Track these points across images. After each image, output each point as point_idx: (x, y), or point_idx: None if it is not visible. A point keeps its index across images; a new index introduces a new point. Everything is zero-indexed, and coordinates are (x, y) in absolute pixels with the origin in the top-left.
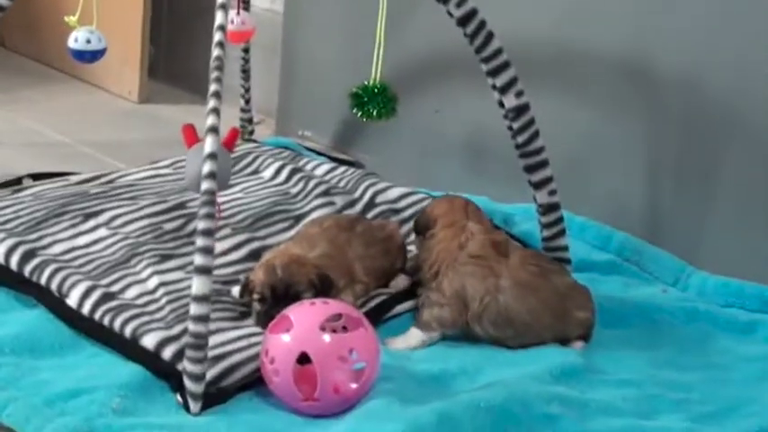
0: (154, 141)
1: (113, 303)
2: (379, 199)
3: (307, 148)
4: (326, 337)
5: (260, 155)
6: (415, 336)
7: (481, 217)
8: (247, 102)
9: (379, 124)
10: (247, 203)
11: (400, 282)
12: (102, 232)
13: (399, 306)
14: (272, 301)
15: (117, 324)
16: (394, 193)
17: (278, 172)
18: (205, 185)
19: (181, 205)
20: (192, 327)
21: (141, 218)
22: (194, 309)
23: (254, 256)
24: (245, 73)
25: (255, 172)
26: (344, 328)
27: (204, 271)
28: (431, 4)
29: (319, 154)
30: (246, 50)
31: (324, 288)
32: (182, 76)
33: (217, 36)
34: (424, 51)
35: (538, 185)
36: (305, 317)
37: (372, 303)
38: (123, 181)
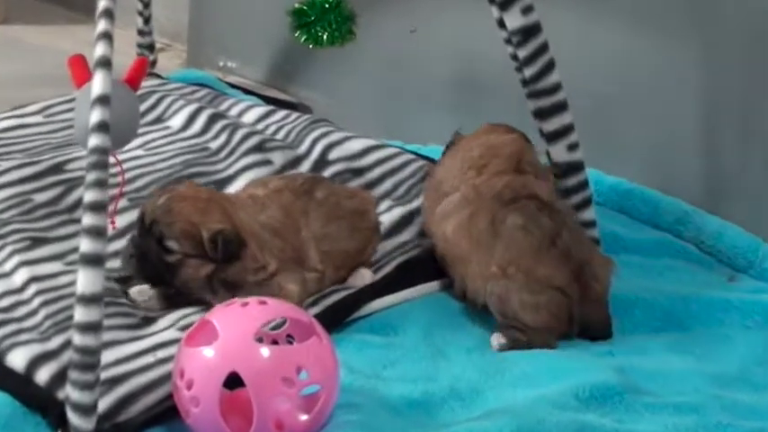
0: (16, 76)
1: None
2: (333, 155)
3: (231, 86)
4: (265, 351)
5: (165, 96)
6: None
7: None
8: (147, 21)
9: (332, 52)
10: (150, 164)
11: (360, 278)
12: None
13: (366, 306)
14: (139, 255)
15: None
16: (354, 146)
17: (191, 119)
18: (94, 141)
19: (57, 168)
20: (78, 339)
21: (4, 186)
22: (81, 314)
23: None
24: None
25: (159, 120)
26: (290, 338)
27: (94, 261)
28: None
29: (248, 93)
30: None
31: (224, 254)
32: None
33: None
34: None
35: (553, 137)
36: (234, 323)
37: (328, 301)
38: None
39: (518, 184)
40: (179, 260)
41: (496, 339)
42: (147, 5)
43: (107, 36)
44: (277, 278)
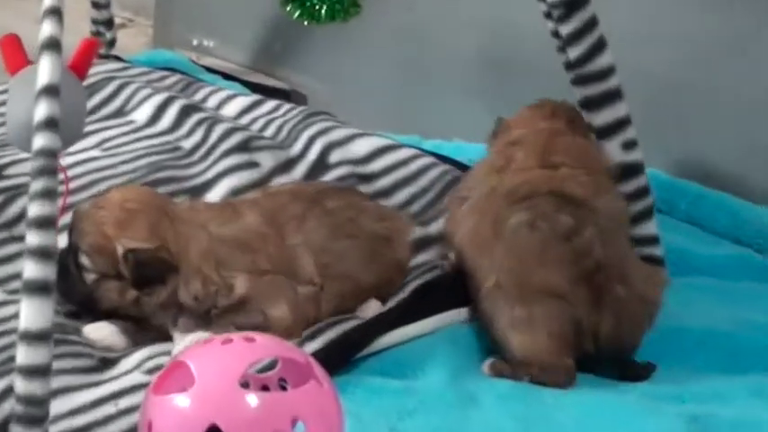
0: None
1: None
2: (335, 156)
3: (207, 69)
4: (252, 400)
5: (127, 83)
6: None
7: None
8: None
9: (331, 28)
10: (108, 167)
11: (366, 309)
12: None
13: (377, 341)
14: (60, 272)
15: None
16: (360, 146)
17: (159, 112)
18: (41, 141)
19: None
20: (21, 386)
21: None
22: (25, 355)
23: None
24: None
25: (120, 113)
26: (282, 383)
27: (41, 289)
28: None
29: (228, 78)
30: None
31: (137, 278)
32: None
33: None
34: None
35: (605, 132)
36: (214, 365)
37: (330, 335)
38: None
39: (540, 179)
40: (95, 281)
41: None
42: None
43: (56, 12)
44: (256, 302)
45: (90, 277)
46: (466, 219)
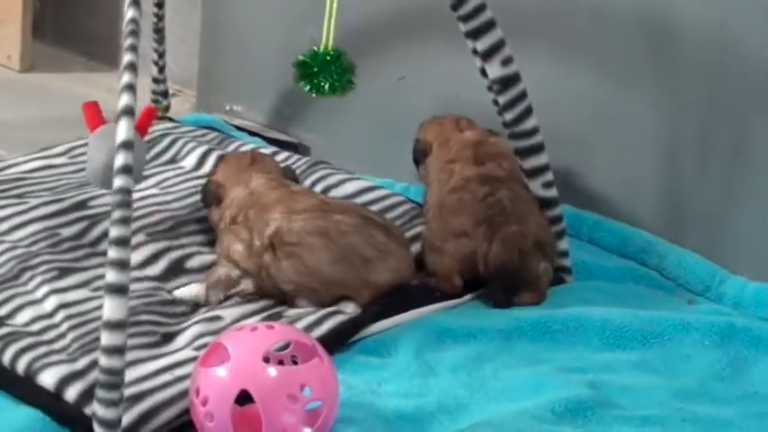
0: (42, 120)
1: (3, 331)
2: (331, 195)
3: (236, 128)
4: (272, 371)
5: (178, 138)
6: None
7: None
8: (161, 69)
9: (331, 98)
10: (165, 203)
11: (344, 306)
12: None
13: (364, 330)
14: None
15: (6, 358)
16: (350, 187)
17: (202, 160)
18: (119, 182)
19: (81, 205)
20: (104, 361)
21: (32, 221)
22: (107, 338)
23: (175, 269)
24: (159, 33)
25: (173, 161)
26: (294, 359)
27: (118, 290)
28: None
29: (253, 134)
30: (160, 5)
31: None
32: (73, 36)
33: None
34: (383, 5)
35: (531, 174)
36: (244, 345)
37: (328, 324)
38: (8, 174)
39: (472, 172)
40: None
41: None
42: (161, 55)
43: (131, 87)
44: (229, 233)
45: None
46: (428, 214)
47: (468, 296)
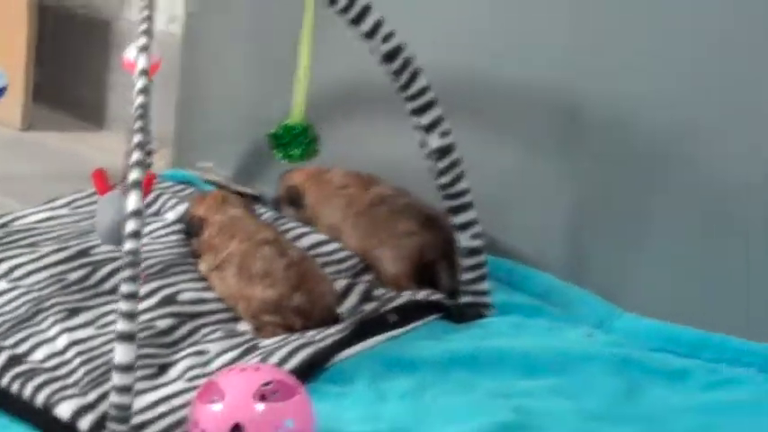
0: (43, 174)
1: (22, 368)
2: None
3: (208, 182)
4: (260, 407)
5: (162, 193)
6: None
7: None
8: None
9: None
10: (155, 250)
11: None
12: (2, 285)
13: (338, 356)
14: None
15: (27, 392)
16: (307, 240)
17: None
18: (129, 245)
19: (84, 252)
20: (115, 398)
21: (43, 268)
22: (118, 379)
23: (167, 302)
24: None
25: (157, 213)
26: (278, 395)
27: (128, 338)
28: (345, 36)
29: (220, 188)
30: None
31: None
32: (66, 100)
33: (140, 82)
34: (344, 82)
35: (461, 228)
36: (236, 384)
37: (302, 354)
38: (19, 225)
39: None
40: None
41: None
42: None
43: (140, 163)
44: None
45: None
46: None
47: (410, 325)
